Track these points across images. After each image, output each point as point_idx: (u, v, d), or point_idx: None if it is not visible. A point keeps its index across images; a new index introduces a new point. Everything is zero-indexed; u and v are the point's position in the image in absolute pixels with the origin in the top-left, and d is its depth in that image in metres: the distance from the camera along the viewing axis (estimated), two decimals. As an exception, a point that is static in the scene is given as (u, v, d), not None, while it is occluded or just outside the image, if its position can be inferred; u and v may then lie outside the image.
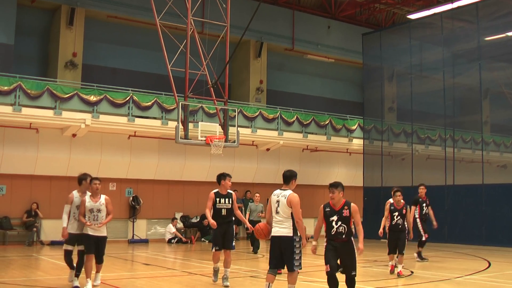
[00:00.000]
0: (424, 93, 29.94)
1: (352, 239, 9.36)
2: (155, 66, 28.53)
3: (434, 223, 18.64)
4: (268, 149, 29.22)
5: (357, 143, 31.25)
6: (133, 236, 26.08)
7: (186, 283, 13.37)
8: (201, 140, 21.89)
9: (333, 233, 9.29)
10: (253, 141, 28.29)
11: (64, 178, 23.91)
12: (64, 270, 15.23)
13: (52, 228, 23.63)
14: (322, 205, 9.58)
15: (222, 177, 12.65)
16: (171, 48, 22.53)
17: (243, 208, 28.16)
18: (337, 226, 9.23)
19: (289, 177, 10.29)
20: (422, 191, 18.52)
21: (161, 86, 26.08)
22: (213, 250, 12.38)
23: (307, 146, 30.36)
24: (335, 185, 9.49)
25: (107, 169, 25.10)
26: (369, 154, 30.61)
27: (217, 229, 12.38)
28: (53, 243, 23.34)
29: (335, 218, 9.27)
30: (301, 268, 10.18)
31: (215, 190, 12.61)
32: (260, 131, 27.78)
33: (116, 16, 28.16)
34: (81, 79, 26.32)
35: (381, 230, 15.27)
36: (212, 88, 22.98)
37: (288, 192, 10.06)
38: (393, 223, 14.80)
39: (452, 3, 26.96)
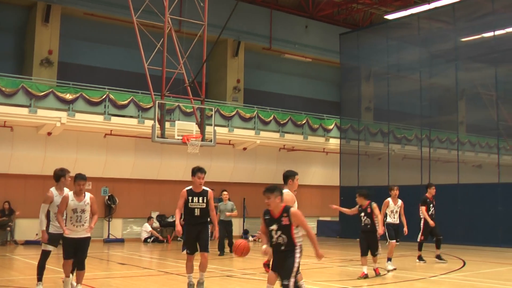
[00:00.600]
0: (401, 93, 30.09)
1: (297, 249, 8.09)
2: (131, 64, 28.36)
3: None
4: (245, 149, 29.19)
5: (334, 142, 31.33)
6: (108, 236, 25.91)
7: (162, 282, 13.30)
8: (178, 139, 21.79)
9: (273, 243, 8.12)
10: (230, 140, 28.25)
11: (39, 177, 23.69)
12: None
13: (26, 228, 23.44)
14: (263, 211, 8.30)
15: (192, 173, 11.18)
16: (148, 46, 22.41)
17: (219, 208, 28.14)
18: (276, 236, 8.04)
19: (285, 177, 10.27)
20: (432, 191, 17.80)
21: (138, 84, 25.93)
22: (184, 252, 11.22)
23: (284, 145, 30.38)
24: (270, 190, 8.05)
25: (82, 168, 24.57)
26: (346, 153, 30.68)
27: (190, 230, 11.15)
28: (27, 243, 23.13)
29: (274, 227, 8.05)
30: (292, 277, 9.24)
31: (188, 188, 11.13)
32: (237, 130, 27.76)
33: (92, 13, 27.96)
34: (57, 77, 26.09)
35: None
36: (189, 87, 22.90)
37: (284, 191, 9.29)
38: (362, 224, 14.23)
39: (429, 3, 27.15)
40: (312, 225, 31.76)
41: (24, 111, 22.56)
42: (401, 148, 31.00)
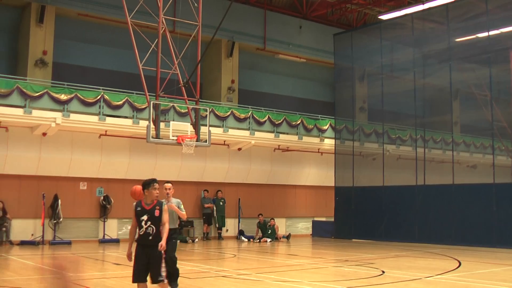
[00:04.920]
0: (395, 93, 30.11)
1: None
2: (126, 65, 28.34)
3: None
4: (239, 149, 29.19)
5: (329, 143, 31.34)
6: (103, 236, 25.87)
7: (157, 283, 13.27)
8: (173, 139, 21.83)
9: None
10: (224, 141, 28.24)
11: (34, 177, 23.68)
12: (34, 270, 15.09)
13: (21, 228, 23.33)
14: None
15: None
16: (142, 46, 22.42)
17: (214, 208, 28.16)
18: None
19: None
20: None
21: (132, 85, 25.92)
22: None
23: (279, 146, 30.38)
24: None
25: (77, 169, 24.91)
26: (340, 154, 30.67)
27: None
28: (22, 243, 23.04)
29: None
30: None
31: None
32: (231, 130, 27.75)
33: (87, 14, 27.91)
34: (52, 78, 26.05)
35: (128, 250, 9.81)
36: (183, 88, 22.92)
37: None
38: (141, 232, 9.43)
39: (423, 4, 27.18)
40: (307, 225, 31.81)
41: (19, 111, 22.51)
42: (396, 149, 31.03)
